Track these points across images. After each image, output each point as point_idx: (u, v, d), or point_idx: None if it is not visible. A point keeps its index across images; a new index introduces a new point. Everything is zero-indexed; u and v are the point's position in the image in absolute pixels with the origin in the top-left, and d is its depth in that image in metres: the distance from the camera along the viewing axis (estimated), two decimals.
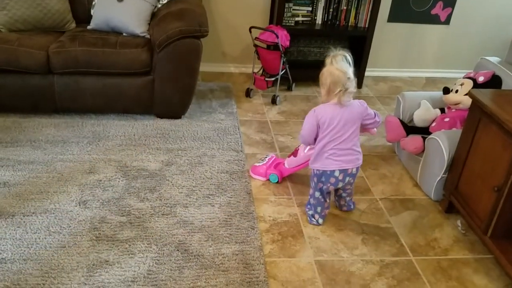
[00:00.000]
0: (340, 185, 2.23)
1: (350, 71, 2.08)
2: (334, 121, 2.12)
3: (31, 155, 2.66)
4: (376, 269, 2.07)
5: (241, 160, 2.77)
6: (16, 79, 2.91)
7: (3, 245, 2.01)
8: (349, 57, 2.11)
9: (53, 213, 2.22)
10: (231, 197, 2.44)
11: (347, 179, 2.21)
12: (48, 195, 2.34)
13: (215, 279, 1.93)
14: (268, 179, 2.60)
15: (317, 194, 2.27)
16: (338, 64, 2.08)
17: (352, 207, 2.43)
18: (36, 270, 1.90)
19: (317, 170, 2.22)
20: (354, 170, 2.21)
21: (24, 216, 2.19)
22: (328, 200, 2.31)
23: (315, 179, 2.24)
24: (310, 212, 2.34)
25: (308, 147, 2.43)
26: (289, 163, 2.56)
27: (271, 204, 2.44)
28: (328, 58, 2.12)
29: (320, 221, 2.31)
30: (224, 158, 2.77)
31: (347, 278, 2.01)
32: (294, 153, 2.54)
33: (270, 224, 2.29)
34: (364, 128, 2.28)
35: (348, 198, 2.39)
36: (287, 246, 2.16)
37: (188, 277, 1.92)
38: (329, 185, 2.21)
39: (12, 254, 1.97)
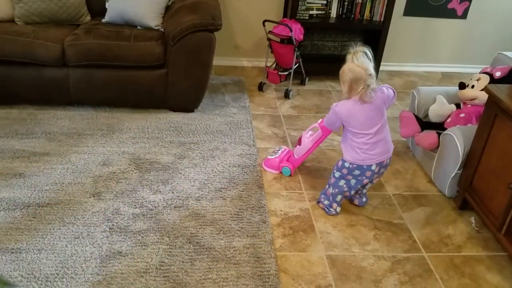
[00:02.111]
0: (375, 177, 2.25)
1: (370, 67, 2.06)
2: (357, 118, 2.10)
3: (46, 146, 2.70)
4: (388, 265, 2.06)
5: (253, 154, 2.77)
6: (31, 72, 2.94)
7: (18, 235, 2.04)
8: (370, 53, 2.08)
9: (68, 204, 2.25)
10: (242, 191, 2.44)
11: (381, 170, 2.23)
12: (63, 186, 2.38)
13: (226, 271, 1.94)
14: (281, 172, 2.60)
15: (342, 182, 2.26)
16: (359, 60, 2.05)
17: (364, 200, 2.41)
18: (50, 260, 1.93)
19: (350, 164, 2.20)
20: (388, 160, 2.22)
21: (39, 207, 2.22)
22: (353, 191, 2.31)
23: (345, 171, 2.23)
24: (327, 202, 2.33)
25: (310, 131, 2.47)
26: (297, 153, 2.57)
27: (282, 198, 2.44)
28: (348, 55, 2.09)
29: (338, 209, 2.33)
30: (236, 152, 2.78)
31: (358, 273, 2.00)
32: (299, 142, 2.55)
33: (281, 218, 2.29)
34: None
35: (365, 191, 2.39)
36: (298, 241, 2.16)
37: (200, 269, 1.94)
38: (364, 178, 2.22)
39: (27, 244, 2.00)
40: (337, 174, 2.27)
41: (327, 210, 2.34)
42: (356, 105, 2.10)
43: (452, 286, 1.98)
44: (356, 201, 2.41)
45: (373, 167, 2.17)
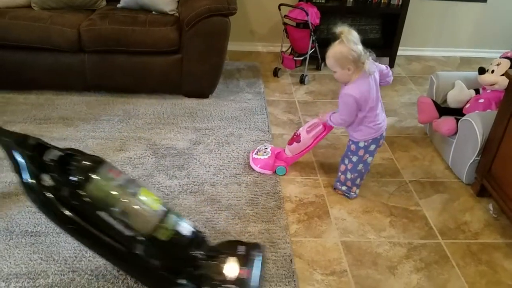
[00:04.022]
0: (382, 142, 2.29)
1: (359, 41, 2.03)
2: (370, 94, 2.08)
3: (64, 132, 2.73)
4: (404, 252, 2.05)
5: (267, 140, 2.76)
6: (48, 57, 2.97)
7: (37, 219, 2.08)
8: (353, 31, 2.04)
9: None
10: (257, 177, 2.44)
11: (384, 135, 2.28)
12: None
13: None
14: (275, 172, 2.49)
15: (360, 166, 2.27)
16: (353, 36, 2.01)
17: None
18: (69, 243, 1.96)
19: (365, 141, 2.20)
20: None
21: None
22: (369, 168, 2.35)
23: (361, 152, 2.23)
24: (345, 188, 2.34)
25: (307, 128, 2.41)
26: (293, 150, 2.46)
27: (297, 184, 2.44)
28: (340, 36, 2.01)
29: (358, 191, 2.35)
30: (251, 138, 2.77)
31: (374, 260, 2.00)
32: (296, 139, 2.43)
33: (296, 204, 2.29)
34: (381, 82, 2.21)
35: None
36: (313, 226, 2.16)
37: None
38: (377, 148, 2.26)
39: (46, 227, 2.04)
40: (354, 159, 2.25)
41: (348, 195, 2.35)
42: (363, 83, 2.07)
43: (469, 273, 1.96)
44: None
45: (384, 133, 2.23)
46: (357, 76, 2.07)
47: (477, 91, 2.67)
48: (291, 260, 1.95)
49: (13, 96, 3.07)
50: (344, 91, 2.10)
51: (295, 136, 2.45)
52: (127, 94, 3.17)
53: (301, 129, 2.45)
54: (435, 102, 2.73)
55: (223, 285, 1.61)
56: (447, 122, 2.55)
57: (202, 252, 1.68)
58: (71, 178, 1.50)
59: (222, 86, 3.35)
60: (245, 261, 1.70)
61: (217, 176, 2.43)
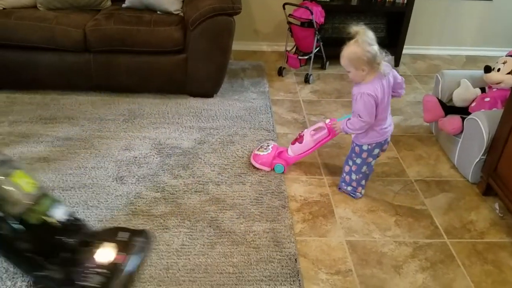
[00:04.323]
0: (385, 147, 2.28)
1: (374, 41, 2.01)
2: (384, 96, 2.07)
3: (70, 131, 2.74)
4: (409, 251, 2.04)
5: (272, 140, 2.76)
6: (54, 57, 2.98)
7: None
8: (369, 31, 2.02)
9: (91, 188, 2.30)
10: (262, 176, 2.44)
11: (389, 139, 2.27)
12: (86, 171, 2.42)
13: (247, 255, 1.95)
14: (273, 169, 2.48)
15: (364, 168, 2.27)
16: (368, 36, 1.99)
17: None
18: None
19: (369, 145, 2.19)
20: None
21: (63, 191, 2.27)
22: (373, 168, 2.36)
23: (365, 155, 2.22)
24: (350, 188, 2.34)
25: (312, 131, 2.40)
26: (295, 151, 2.46)
27: (302, 183, 2.43)
28: (356, 36, 1.99)
29: (363, 192, 2.35)
30: (255, 138, 2.78)
31: (379, 259, 1.99)
32: (299, 140, 2.43)
33: (301, 204, 2.29)
34: (393, 92, 2.18)
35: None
36: (318, 226, 2.16)
37: (220, 253, 1.96)
38: (381, 153, 2.26)
39: None
40: (358, 161, 2.25)
41: (353, 195, 2.35)
42: (378, 83, 2.04)
43: (474, 272, 1.96)
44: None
45: (388, 139, 2.23)
46: (372, 77, 2.04)
47: (483, 90, 2.66)
48: (295, 260, 1.95)
49: (18, 95, 3.08)
50: (362, 91, 2.04)
51: (298, 137, 2.45)
52: (132, 94, 3.18)
53: (306, 130, 2.45)
54: (440, 101, 2.72)
55: (92, 269, 1.60)
56: (452, 121, 2.54)
57: (75, 239, 1.68)
58: None
59: (227, 86, 3.35)
60: (124, 247, 1.69)
61: (221, 176, 2.43)
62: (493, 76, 2.56)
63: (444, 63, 4.04)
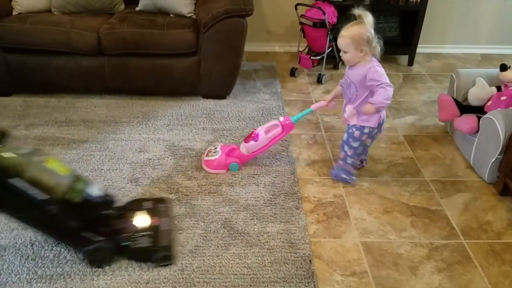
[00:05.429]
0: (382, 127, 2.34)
1: (372, 26, 2.09)
2: None
3: (85, 134, 2.77)
4: (425, 252, 2.02)
5: (285, 141, 2.76)
6: (69, 61, 3.02)
7: None
8: (370, 14, 2.08)
9: (106, 190, 2.31)
10: (275, 177, 2.44)
11: None
12: (102, 173, 2.44)
13: (261, 257, 1.95)
14: (229, 170, 2.46)
15: (360, 149, 2.32)
16: (369, 19, 2.06)
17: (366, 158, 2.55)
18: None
19: (371, 128, 2.23)
20: None
21: None
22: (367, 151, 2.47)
23: (364, 137, 2.27)
24: (344, 176, 2.39)
25: (266, 128, 2.42)
26: (249, 148, 2.44)
27: (315, 184, 2.43)
28: (359, 18, 2.07)
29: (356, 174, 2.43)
30: None
31: (395, 260, 1.98)
32: (254, 137, 2.42)
33: (315, 205, 2.28)
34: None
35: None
36: (332, 227, 2.15)
37: (234, 254, 1.96)
38: (378, 134, 2.32)
39: None
40: (356, 144, 2.29)
41: (349, 180, 2.39)
42: (373, 64, 2.12)
43: (491, 273, 1.93)
44: (365, 163, 2.53)
45: (385, 119, 2.29)
46: (367, 59, 2.11)
47: (498, 88, 2.62)
48: (310, 261, 1.94)
49: (34, 99, 3.13)
50: (368, 66, 2.10)
51: (253, 135, 2.45)
52: (146, 96, 3.20)
53: (259, 128, 2.46)
54: (455, 100, 2.69)
55: (137, 234, 1.87)
56: (468, 120, 2.51)
57: (112, 211, 1.92)
58: None
59: (239, 87, 3.35)
60: (153, 213, 2.00)
61: (235, 177, 2.44)
62: (509, 74, 2.53)
63: (459, 62, 3.99)
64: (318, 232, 2.11)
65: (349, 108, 2.28)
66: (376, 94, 2.10)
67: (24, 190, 1.64)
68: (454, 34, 4.11)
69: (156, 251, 1.86)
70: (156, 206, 2.06)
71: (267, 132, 2.44)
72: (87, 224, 1.81)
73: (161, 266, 1.86)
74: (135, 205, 2.06)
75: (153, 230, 1.91)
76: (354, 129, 2.26)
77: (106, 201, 1.91)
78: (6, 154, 1.64)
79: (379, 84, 2.08)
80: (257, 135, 2.43)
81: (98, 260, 1.84)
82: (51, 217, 1.72)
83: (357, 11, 2.07)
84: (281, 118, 2.45)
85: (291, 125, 2.46)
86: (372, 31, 2.06)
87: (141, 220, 1.95)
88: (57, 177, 1.73)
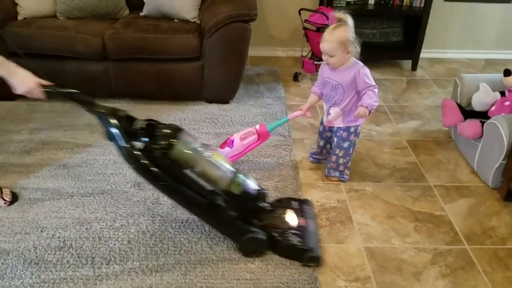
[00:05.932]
0: None
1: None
2: None
3: (89, 138, 2.78)
4: (429, 257, 2.01)
5: (288, 145, 2.76)
6: (73, 65, 3.04)
7: (63, 224, 2.12)
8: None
9: (110, 194, 2.32)
10: (278, 182, 2.44)
11: None
12: (105, 177, 2.45)
13: (265, 261, 1.94)
14: None
15: (351, 149, 2.38)
16: (350, 22, 2.12)
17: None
18: (95, 248, 1.99)
19: (358, 126, 2.32)
20: None
21: (82, 197, 2.30)
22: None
23: (352, 136, 2.33)
24: (337, 174, 2.43)
25: (242, 135, 2.40)
26: (224, 155, 2.39)
27: (319, 189, 2.42)
28: (342, 20, 2.12)
29: (348, 173, 2.45)
30: (271, 143, 2.77)
31: (398, 266, 1.97)
32: (229, 144, 2.41)
33: (318, 210, 2.28)
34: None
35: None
36: (335, 232, 2.14)
37: (241, 259, 1.95)
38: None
39: (73, 232, 2.08)
40: (346, 145, 2.35)
41: (342, 178, 2.44)
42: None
43: (496, 279, 1.92)
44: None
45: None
46: (351, 61, 2.18)
47: (502, 94, 2.62)
48: (314, 266, 1.93)
49: (39, 103, 3.14)
50: (357, 67, 2.16)
51: (228, 141, 2.43)
52: (149, 101, 3.21)
53: (235, 135, 2.44)
54: (459, 105, 2.69)
55: (287, 231, 1.95)
56: (472, 125, 2.51)
57: (267, 204, 2.01)
58: (159, 142, 1.78)
59: (242, 91, 3.36)
60: (300, 213, 2.08)
61: None
62: None
63: (462, 67, 3.99)
64: (321, 237, 2.11)
65: (335, 111, 2.29)
66: (366, 96, 2.16)
67: (195, 180, 1.86)
68: (458, 39, 4.11)
69: (306, 250, 1.92)
70: (301, 207, 2.14)
71: (242, 139, 2.41)
72: (244, 215, 1.93)
73: (309, 266, 1.91)
74: (285, 203, 2.15)
75: (301, 230, 1.98)
76: (341, 132, 2.32)
77: (261, 194, 1.98)
78: (186, 149, 1.81)
79: (368, 86, 2.16)
80: (232, 141, 2.42)
81: (251, 250, 1.94)
82: (216, 206, 1.88)
83: (337, 14, 2.13)
84: (258, 126, 2.44)
85: (267, 134, 2.44)
86: (353, 32, 2.12)
87: (291, 218, 2.04)
88: (222, 170, 1.88)
